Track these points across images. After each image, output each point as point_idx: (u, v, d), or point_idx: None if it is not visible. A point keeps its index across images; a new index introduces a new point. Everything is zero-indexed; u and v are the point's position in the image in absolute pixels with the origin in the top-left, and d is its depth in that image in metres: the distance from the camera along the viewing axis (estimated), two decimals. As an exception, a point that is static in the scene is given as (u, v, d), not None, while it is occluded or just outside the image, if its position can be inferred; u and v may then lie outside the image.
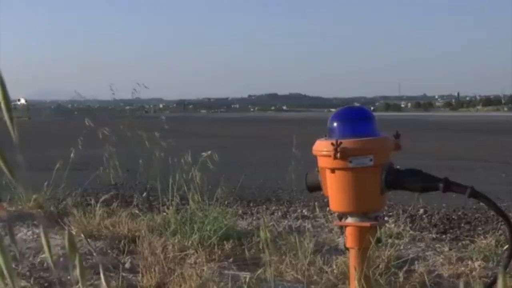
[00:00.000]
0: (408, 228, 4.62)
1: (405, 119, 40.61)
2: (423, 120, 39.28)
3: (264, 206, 5.92)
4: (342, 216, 2.50)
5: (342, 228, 2.56)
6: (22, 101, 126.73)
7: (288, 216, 5.38)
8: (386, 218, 4.99)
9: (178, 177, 4.20)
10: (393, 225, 4.74)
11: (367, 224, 2.42)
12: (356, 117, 2.45)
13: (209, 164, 4.17)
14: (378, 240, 2.51)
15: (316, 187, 2.55)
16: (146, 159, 4.70)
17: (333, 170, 2.41)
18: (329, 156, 2.34)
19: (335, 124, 2.44)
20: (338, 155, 2.32)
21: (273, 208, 5.80)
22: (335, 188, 2.43)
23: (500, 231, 4.45)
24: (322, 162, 2.44)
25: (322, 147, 2.41)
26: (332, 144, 2.33)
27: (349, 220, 2.46)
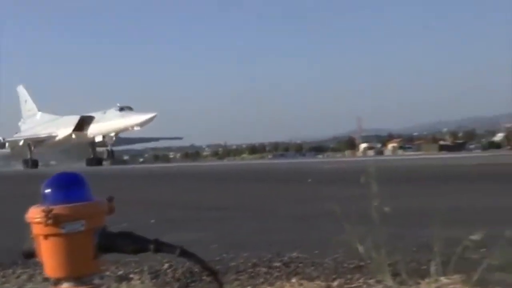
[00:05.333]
0: (151, 284, 4.74)
1: (174, 170, 41.06)
2: (190, 170, 39.84)
3: (11, 270, 5.76)
4: (57, 281, 2.53)
5: (59, 294, 2.58)
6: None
7: (33, 279, 5.28)
8: (131, 276, 5.10)
9: None
10: (138, 281, 4.83)
11: (82, 288, 2.47)
12: (67, 183, 2.50)
13: None
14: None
15: (31, 254, 2.56)
16: None
17: (46, 237, 2.44)
18: (41, 223, 2.38)
19: (47, 191, 2.48)
20: (50, 221, 2.36)
21: (20, 271, 5.66)
22: (49, 254, 2.46)
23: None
24: (36, 229, 2.46)
25: (34, 214, 2.44)
26: (43, 210, 2.37)
27: (64, 285, 2.50)
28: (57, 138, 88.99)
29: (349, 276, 4.67)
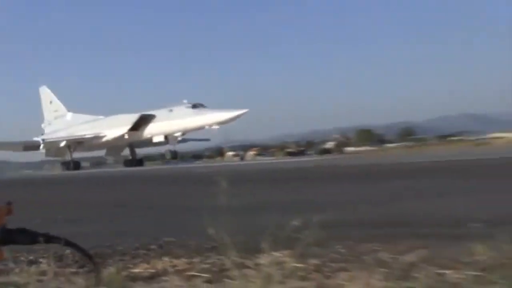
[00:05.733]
0: (55, 266, 4.61)
1: (98, 175, 39.71)
2: (108, 175, 38.51)
3: None
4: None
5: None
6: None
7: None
8: (40, 260, 4.96)
9: None
10: (45, 264, 4.70)
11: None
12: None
13: None
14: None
15: None
16: None
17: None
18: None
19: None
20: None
21: None
22: (-40, 248, 2.40)
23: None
24: (-52, 229, 2.39)
25: None
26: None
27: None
28: (104, 139, 66.02)
29: (206, 254, 4.76)
